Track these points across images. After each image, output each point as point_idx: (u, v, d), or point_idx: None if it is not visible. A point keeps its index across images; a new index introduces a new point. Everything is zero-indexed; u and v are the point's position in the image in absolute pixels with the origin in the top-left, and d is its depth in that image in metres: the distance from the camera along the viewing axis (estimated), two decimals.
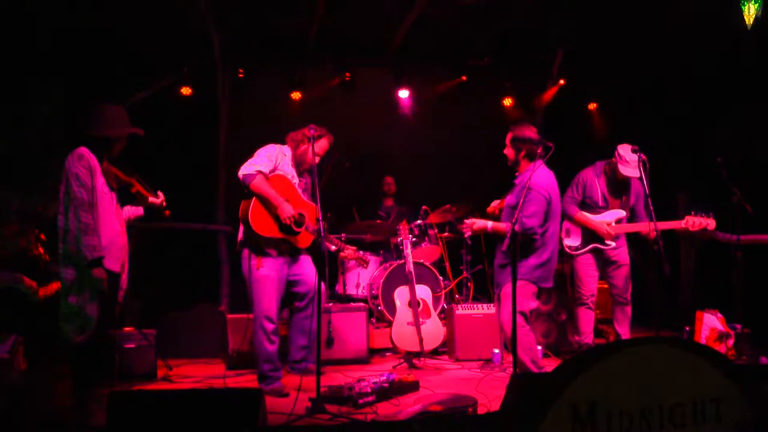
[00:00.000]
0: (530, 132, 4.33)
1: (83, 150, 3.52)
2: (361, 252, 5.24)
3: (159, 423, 2.84)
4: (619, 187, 5.09)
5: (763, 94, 5.88)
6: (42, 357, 4.33)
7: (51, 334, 4.20)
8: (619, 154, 4.88)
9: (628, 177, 4.90)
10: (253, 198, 4.34)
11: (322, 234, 3.97)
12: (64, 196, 3.45)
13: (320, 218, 3.99)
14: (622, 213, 5.05)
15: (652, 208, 4.41)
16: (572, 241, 5.14)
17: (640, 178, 4.52)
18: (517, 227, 4.08)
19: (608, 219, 5.02)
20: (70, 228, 3.42)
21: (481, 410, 3.65)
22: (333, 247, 4.90)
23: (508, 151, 4.41)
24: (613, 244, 5.04)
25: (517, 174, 4.41)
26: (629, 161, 4.78)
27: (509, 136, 4.38)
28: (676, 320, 6.20)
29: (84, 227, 3.41)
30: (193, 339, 5.71)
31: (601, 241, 5.03)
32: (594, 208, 5.06)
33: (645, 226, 4.74)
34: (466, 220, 4.40)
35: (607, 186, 5.08)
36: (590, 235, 5.03)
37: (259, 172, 4.33)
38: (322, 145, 4.61)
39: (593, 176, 5.11)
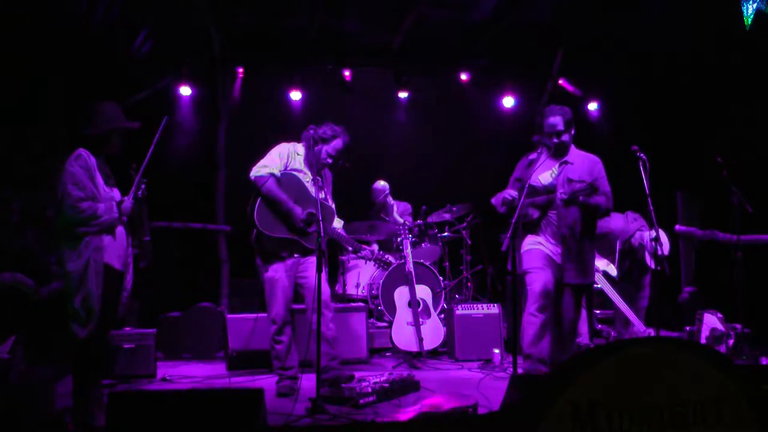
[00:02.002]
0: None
1: (81, 151, 3.52)
2: (380, 253, 4.94)
3: (159, 423, 2.84)
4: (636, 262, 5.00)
5: (764, 94, 5.88)
6: (42, 357, 4.32)
7: (51, 334, 4.21)
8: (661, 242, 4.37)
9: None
10: (258, 198, 4.28)
11: (321, 234, 3.91)
12: (61, 197, 3.45)
13: (320, 218, 3.94)
14: (614, 271, 4.93)
15: (652, 208, 4.40)
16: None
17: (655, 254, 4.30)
18: (605, 201, 4.17)
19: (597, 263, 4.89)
20: (68, 224, 3.41)
21: (481, 410, 3.65)
22: (350, 248, 4.74)
23: (565, 135, 4.20)
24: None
25: (551, 156, 4.24)
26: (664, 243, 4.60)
27: (563, 120, 4.19)
28: (676, 320, 6.20)
29: (90, 212, 3.39)
30: (193, 339, 5.70)
31: None
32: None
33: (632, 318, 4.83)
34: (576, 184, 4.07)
35: (624, 253, 4.98)
36: None
37: (272, 175, 4.27)
38: (335, 145, 4.47)
39: (617, 235, 4.94)
